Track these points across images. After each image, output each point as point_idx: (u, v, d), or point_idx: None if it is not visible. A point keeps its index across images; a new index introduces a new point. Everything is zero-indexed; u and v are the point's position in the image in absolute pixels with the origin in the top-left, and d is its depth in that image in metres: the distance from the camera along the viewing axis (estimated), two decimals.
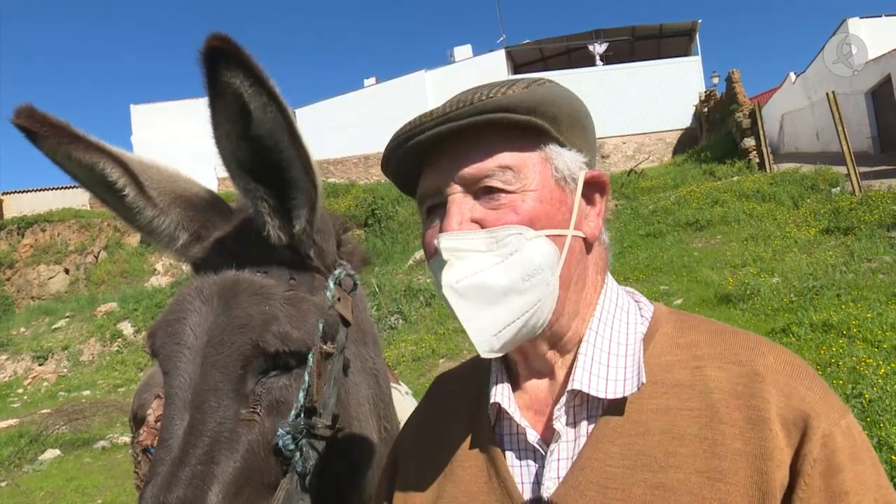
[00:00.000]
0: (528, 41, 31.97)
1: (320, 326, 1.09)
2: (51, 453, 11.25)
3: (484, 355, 0.89)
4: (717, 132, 22.44)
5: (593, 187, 0.98)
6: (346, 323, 1.18)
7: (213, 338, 1.05)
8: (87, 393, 16.03)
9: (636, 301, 1.02)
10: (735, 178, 17.19)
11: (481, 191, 0.91)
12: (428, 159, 0.96)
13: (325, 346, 1.09)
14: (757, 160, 18.26)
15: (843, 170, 13.77)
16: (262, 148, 1.03)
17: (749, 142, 18.78)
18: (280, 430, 1.04)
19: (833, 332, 7.06)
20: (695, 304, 9.39)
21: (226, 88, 0.93)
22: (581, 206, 0.96)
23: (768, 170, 17.35)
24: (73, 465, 10.54)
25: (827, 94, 13.93)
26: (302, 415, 1.05)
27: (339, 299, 1.16)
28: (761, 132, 18.11)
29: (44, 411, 14.28)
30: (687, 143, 26.01)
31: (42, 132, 1.07)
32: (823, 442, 0.79)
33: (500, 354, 0.90)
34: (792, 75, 24.93)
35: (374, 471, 1.25)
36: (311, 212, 1.11)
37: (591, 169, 0.98)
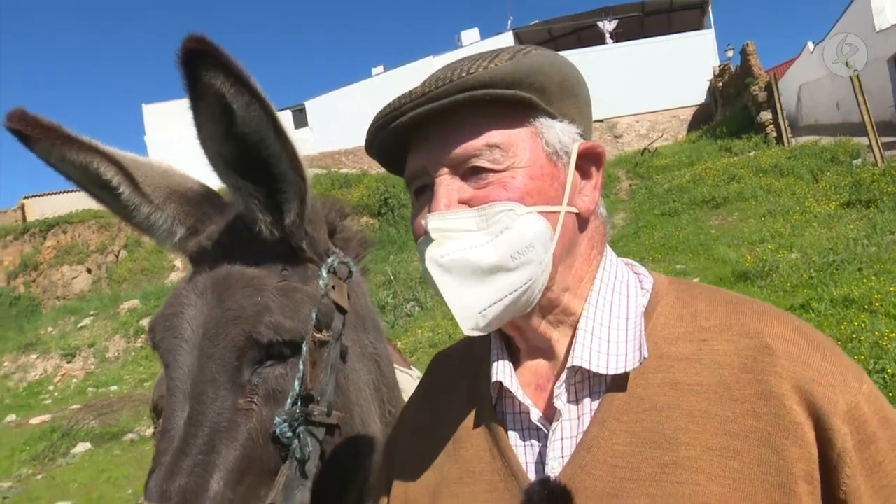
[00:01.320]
0: (536, 22, 31.71)
1: (313, 315, 1.10)
2: (82, 447, 11.49)
3: (467, 333, 0.85)
4: (733, 107, 22.12)
5: (588, 159, 0.93)
6: (342, 310, 1.18)
7: (208, 330, 1.07)
8: (114, 388, 16.31)
9: (636, 273, 0.99)
10: (752, 154, 16.95)
11: (469, 171, 0.87)
12: (413, 139, 0.92)
13: (319, 335, 1.10)
14: (774, 134, 17.96)
15: (864, 140, 13.52)
16: (247, 145, 1.03)
17: (766, 115, 18.47)
18: (277, 418, 1.05)
19: (854, 306, 6.97)
20: (712, 283, 9.30)
21: (207, 90, 0.93)
22: (575, 179, 0.92)
23: (786, 143, 17.08)
24: (104, 458, 10.77)
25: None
26: (298, 402, 1.06)
27: (333, 287, 1.16)
28: (778, 105, 17.82)
29: (74, 407, 14.56)
30: (701, 119, 25.68)
31: (35, 135, 1.08)
32: (851, 415, 0.76)
33: (484, 333, 0.87)
34: (810, 45, 24.36)
35: (377, 455, 1.26)
36: (301, 204, 1.11)
37: (585, 140, 0.94)
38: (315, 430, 1.08)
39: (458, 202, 0.87)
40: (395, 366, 1.55)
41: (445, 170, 0.88)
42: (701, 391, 0.81)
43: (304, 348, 1.08)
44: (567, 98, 0.91)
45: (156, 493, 0.98)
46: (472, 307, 0.84)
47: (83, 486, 9.31)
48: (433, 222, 0.85)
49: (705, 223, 13.19)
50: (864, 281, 7.61)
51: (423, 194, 0.93)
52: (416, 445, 1.05)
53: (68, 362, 18.96)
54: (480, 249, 0.84)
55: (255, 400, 1.07)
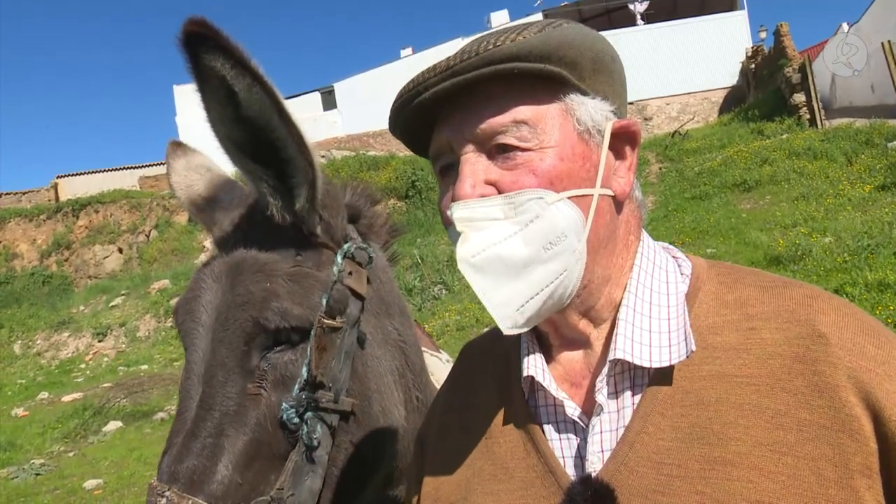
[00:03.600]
0: (565, 3, 31.28)
1: (323, 301, 1.10)
2: (113, 425, 11.72)
3: (506, 332, 0.81)
4: (765, 89, 21.68)
5: (622, 139, 0.88)
6: (359, 297, 1.17)
7: (220, 315, 1.09)
8: (144, 367, 16.60)
9: (674, 257, 0.94)
10: (784, 136, 16.64)
11: (495, 149, 0.83)
12: (438, 115, 0.88)
13: (330, 321, 1.10)
14: (807, 116, 17.59)
15: None
16: (256, 129, 1.03)
17: (799, 97, 18.08)
18: (284, 403, 1.05)
19: (890, 291, 6.86)
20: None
21: (209, 72, 0.93)
22: (609, 160, 0.87)
23: (820, 126, 16.72)
24: (135, 436, 10.98)
25: (882, 43, 13.32)
26: (306, 389, 1.06)
27: (350, 273, 1.16)
28: (812, 87, 17.42)
29: (105, 385, 14.86)
30: (733, 101, 25.20)
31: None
32: None
33: (524, 330, 0.82)
34: (844, 26, 23.75)
35: (401, 442, 1.26)
36: (311, 189, 1.10)
37: (619, 118, 0.89)
38: (326, 416, 1.08)
39: (483, 182, 0.82)
40: (424, 349, 1.54)
41: (470, 147, 0.84)
42: (750, 383, 0.77)
43: (312, 334, 1.08)
44: (600, 74, 0.86)
45: (165, 473, 1.00)
46: (508, 305, 0.80)
47: (114, 463, 9.51)
48: (458, 211, 0.82)
49: (736, 207, 13.01)
50: None
51: (449, 173, 0.88)
52: (446, 440, 1.01)
53: (100, 341, 19.35)
54: (510, 242, 0.79)
55: (264, 385, 1.07)
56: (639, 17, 29.01)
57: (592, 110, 0.85)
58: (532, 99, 0.83)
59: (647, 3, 29.09)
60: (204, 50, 0.90)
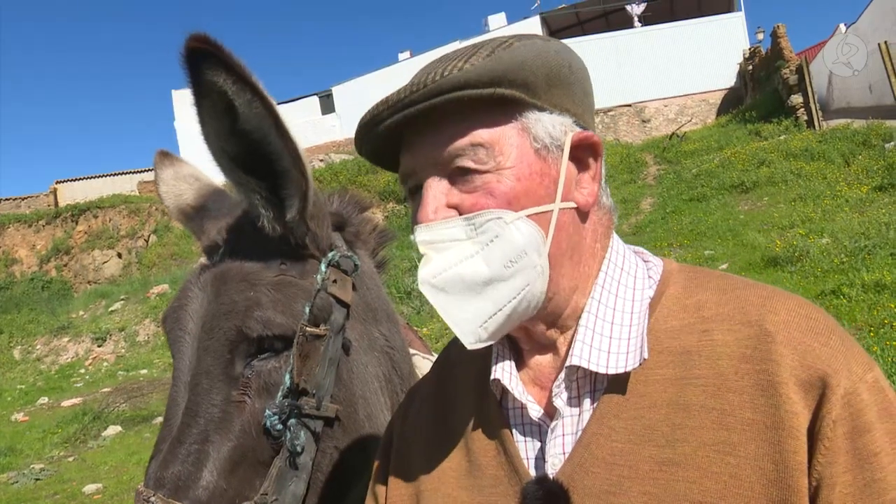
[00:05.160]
0: (563, 6, 31.28)
1: (306, 310, 1.11)
2: (113, 429, 11.72)
3: (470, 347, 0.83)
4: (763, 90, 21.71)
5: (584, 150, 0.88)
6: (344, 304, 1.19)
7: (205, 324, 1.11)
8: (144, 372, 16.60)
9: (645, 261, 0.94)
10: (782, 138, 16.67)
11: (455, 172, 0.84)
12: (402, 139, 0.90)
13: (313, 329, 1.11)
14: (805, 117, 17.60)
15: None
16: (251, 142, 1.04)
17: (796, 99, 18.10)
18: (267, 410, 1.07)
19: (887, 292, 6.86)
20: (741, 268, 9.22)
21: (210, 87, 0.95)
22: (571, 172, 0.88)
23: (817, 127, 16.74)
24: (134, 441, 10.97)
25: (879, 44, 13.35)
26: (289, 396, 1.08)
27: (335, 281, 1.17)
28: (809, 88, 17.44)
29: (105, 390, 14.87)
30: (731, 103, 25.22)
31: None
32: (846, 400, 0.71)
33: (490, 343, 0.85)
34: (842, 27, 23.80)
35: None
36: (302, 201, 1.11)
37: (583, 127, 0.89)
38: (310, 422, 1.10)
39: (445, 206, 0.84)
40: (416, 352, 1.55)
41: (432, 171, 0.86)
42: (699, 384, 0.78)
43: (294, 342, 1.09)
44: (556, 88, 0.86)
45: (152, 479, 1.03)
46: (472, 321, 0.82)
47: (114, 468, 9.51)
48: (420, 234, 0.84)
49: (734, 208, 13.03)
50: None
51: (417, 194, 0.90)
52: (424, 430, 1.03)
53: (99, 346, 19.33)
54: (471, 262, 0.81)
55: (249, 392, 1.09)
56: (636, 19, 28.99)
57: (550, 126, 0.85)
58: (488, 121, 0.84)
59: (645, 5, 29.11)
60: (206, 66, 0.92)
